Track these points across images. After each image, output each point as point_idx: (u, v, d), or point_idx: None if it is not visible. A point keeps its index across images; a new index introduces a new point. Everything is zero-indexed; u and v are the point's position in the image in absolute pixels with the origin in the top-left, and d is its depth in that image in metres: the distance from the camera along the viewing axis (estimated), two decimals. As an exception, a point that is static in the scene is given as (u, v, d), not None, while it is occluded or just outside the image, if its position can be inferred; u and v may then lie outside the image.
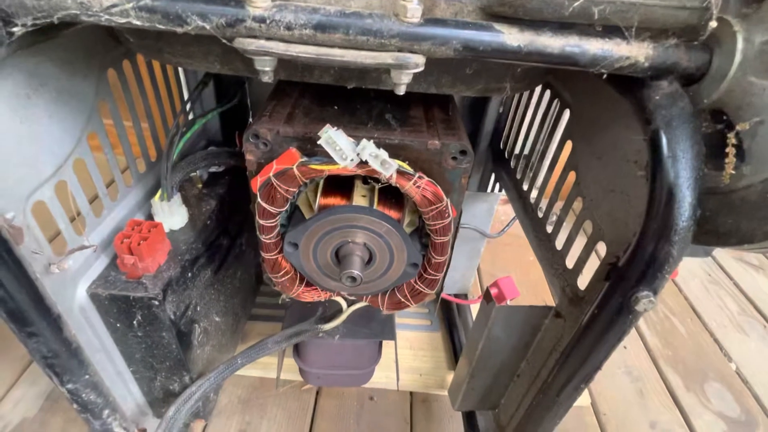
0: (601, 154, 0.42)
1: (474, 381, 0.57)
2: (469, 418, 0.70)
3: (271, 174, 0.39)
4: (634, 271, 0.32)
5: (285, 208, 0.42)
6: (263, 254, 0.46)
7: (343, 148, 0.35)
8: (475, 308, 0.86)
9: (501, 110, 0.69)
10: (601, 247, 0.40)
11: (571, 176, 0.48)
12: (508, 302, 0.50)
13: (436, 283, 0.48)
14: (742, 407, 0.86)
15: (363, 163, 0.38)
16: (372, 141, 0.36)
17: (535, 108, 0.59)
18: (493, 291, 0.52)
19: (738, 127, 0.29)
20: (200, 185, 0.60)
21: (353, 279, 0.41)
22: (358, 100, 0.45)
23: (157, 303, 0.44)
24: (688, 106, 0.29)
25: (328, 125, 0.35)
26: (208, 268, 0.55)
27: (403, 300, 0.50)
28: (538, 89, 0.58)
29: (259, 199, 0.41)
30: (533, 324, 0.50)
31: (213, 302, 0.59)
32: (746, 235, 0.28)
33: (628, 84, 0.32)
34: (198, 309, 0.54)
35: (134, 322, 0.46)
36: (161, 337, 0.48)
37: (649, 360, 0.94)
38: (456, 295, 0.91)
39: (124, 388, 0.54)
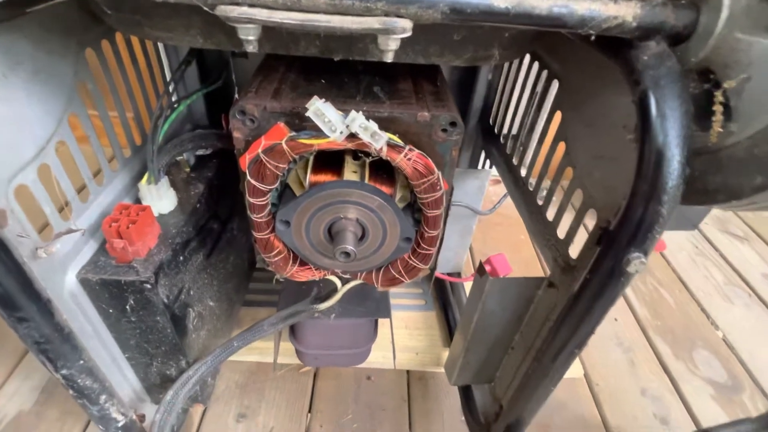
0: (591, 122, 0.42)
1: (469, 355, 0.58)
2: (466, 393, 0.71)
3: (259, 150, 0.38)
4: (625, 233, 0.32)
5: (275, 186, 0.42)
6: (255, 234, 0.46)
7: (332, 120, 0.34)
8: (468, 286, 0.87)
9: (490, 77, 0.69)
10: (590, 218, 0.40)
11: (561, 147, 0.48)
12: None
13: (429, 258, 0.49)
14: (728, 373, 0.89)
15: (352, 137, 0.37)
16: (361, 113, 0.36)
17: (523, 81, 0.59)
18: (487, 268, 0.52)
19: (725, 85, 0.29)
20: (188, 169, 0.59)
21: (347, 254, 0.41)
22: (345, 74, 0.45)
23: (149, 286, 0.44)
24: (675, 65, 0.29)
25: (315, 97, 0.34)
26: (199, 252, 0.55)
27: (397, 276, 0.50)
28: (526, 62, 0.58)
29: (248, 177, 0.40)
30: (527, 296, 0.51)
31: (206, 287, 0.58)
32: (734, 192, 0.28)
33: (616, 46, 0.32)
34: (191, 293, 0.53)
35: (127, 306, 0.46)
36: (155, 321, 0.48)
37: (639, 331, 0.96)
38: (449, 274, 0.91)
39: (119, 374, 0.53)
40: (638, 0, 0.29)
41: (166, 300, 0.47)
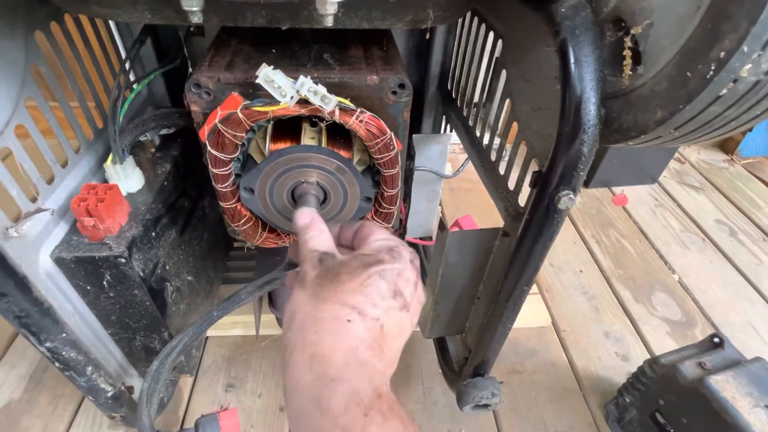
0: (529, 76, 0.45)
1: (438, 308, 0.62)
2: (441, 345, 0.76)
3: (216, 120, 0.40)
4: (554, 173, 0.35)
5: (236, 155, 0.44)
6: (222, 204, 0.48)
7: (282, 85, 0.36)
8: (440, 249, 0.90)
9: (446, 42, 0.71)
10: (536, 167, 0.44)
11: (508, 104, 0.51)
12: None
13: (392, 217, 0.52)
14: (683, 311, 0.96)
15: (305, 103, 0.39)
16: (309, 78, 0.38)
17: (473, 44, 0.61)
18: (454, 228, 0.56)
19: (633, 31, 0.32)
20: (153, 149, 0.60)
21: (310, 215, 0.43)
22: (296, 44, 0.46)
23: (123, 260, 0.46)
24: (589, 15, 0.32)
25: (264, 64, 0.36)
26: (171, 228, 0.56)
27: (362, 236, 0.53)
28: (474, 28, 0.60)
29: (209, 148, 0.42)
30: (485, 246, 0.55)
31: (182, 262, 0.60)
32: (642, 127, 0.32)
33: (539, 0, 0.34)
34: (167, 268, 0.55)
35: (104, 283, 0.48)
36: (134, 295, 0.50)
37: (603, 280, 1.03)
38: (421, 238, 0.95)
39: (104, 349, 0.55)
40: (553, -45, 0.32)
41: (141, 274, 0.49)
